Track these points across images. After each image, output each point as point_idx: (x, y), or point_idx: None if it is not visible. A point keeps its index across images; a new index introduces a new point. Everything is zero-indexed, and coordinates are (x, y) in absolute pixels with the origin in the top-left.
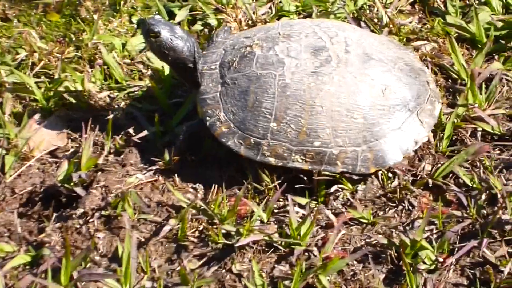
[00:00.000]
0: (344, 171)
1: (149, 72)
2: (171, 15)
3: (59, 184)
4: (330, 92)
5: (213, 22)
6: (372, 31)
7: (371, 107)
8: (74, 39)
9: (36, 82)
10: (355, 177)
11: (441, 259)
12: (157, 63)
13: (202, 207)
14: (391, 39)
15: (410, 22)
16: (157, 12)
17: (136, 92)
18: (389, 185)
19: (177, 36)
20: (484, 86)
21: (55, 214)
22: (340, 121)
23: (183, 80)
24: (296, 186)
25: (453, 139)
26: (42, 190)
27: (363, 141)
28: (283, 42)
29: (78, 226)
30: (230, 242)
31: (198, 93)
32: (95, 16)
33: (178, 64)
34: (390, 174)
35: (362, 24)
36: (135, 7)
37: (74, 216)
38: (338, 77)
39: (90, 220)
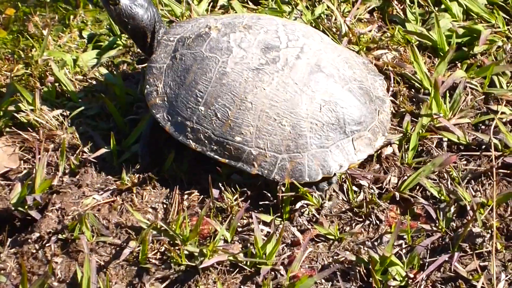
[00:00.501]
0: (258, 174)
1: (103, 88)
2: None
3: (13, 208)
4: (264, 92)
5: None
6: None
7: (303, 119)
8: (23, 56)
9: None
10: (320, 192)
11: (411, 275)
12: (111, 79)
13: (163, 228)
14: (367, 63)
15: (370, 31)
16: None
17: (90, 110)
18: (355, 199)
19: (137, 4)
20: (448, 94)
21: (9, 239)
22: (267, 123)
23: (141, 51)
24: (260, 203)
25: (419, 150)
26: None
27: (286, 149)
28: (241, 32)
29: (34, 251)
30: (193, 264)
31: (149, 60)
32: (45, 32)
33: (138, 33)
34: (355, 188)
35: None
36: (85, 21)
37: (29, 240)
38: (278, 80)
39: (46, 245)
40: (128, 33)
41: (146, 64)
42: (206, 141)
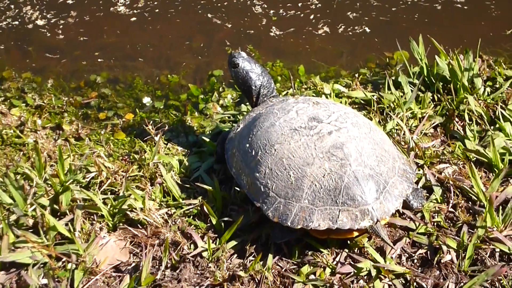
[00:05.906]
0: (259, 208)
1: (202, 191)
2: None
3: None
4: (289, 145)
5: None
6: None
7: (307, 177)
8: (137, 158)
9: (103, 200)
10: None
11: None
12: (209, 183)
13: None
14: (409, 172)
15: (434, 146)
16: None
17: (191, 210)
18: None
19: (252, 70)
20: (501, 208)
21: None
22: (279, 170)
23: (250, 106)
24: None
25: (474, 258)
26: None
27: (284, 195)
28: (308, 105)
29: None
30: None
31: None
32: (155, 138)
33: (248, 94)
34: None
35: None
36: (191, 126)
37: None
38: (304, 141)
39: None
40: (242, 91)
41: None
42: (240, 170)
